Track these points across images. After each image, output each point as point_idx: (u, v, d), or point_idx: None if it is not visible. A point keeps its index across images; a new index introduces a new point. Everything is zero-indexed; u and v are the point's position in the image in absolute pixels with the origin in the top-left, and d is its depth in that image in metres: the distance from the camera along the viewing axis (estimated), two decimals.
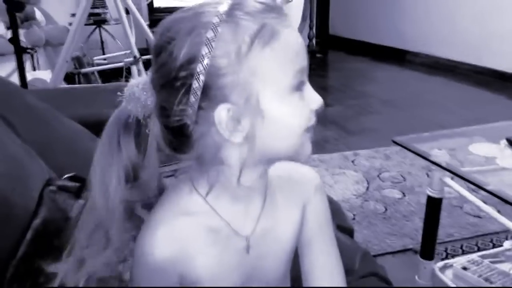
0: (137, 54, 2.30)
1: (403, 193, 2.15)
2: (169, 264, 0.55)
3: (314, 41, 4.91)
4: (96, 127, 1.49)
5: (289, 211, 0.61)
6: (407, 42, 5.00)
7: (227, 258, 0.57)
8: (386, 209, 2.01)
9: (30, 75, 2.60)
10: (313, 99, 0.53)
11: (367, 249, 1.09)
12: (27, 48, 2.67)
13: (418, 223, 1.87)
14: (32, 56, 2.82)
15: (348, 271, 0.82)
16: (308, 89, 0.53)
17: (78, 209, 0.86)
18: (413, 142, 1.41)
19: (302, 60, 0.51)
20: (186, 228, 0.55)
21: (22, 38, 2.84)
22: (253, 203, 0.57)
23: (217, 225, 0.55)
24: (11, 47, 2.23)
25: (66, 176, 0.97)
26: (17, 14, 2.88)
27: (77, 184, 0.90)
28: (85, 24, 2.82)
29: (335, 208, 1.23)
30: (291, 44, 0.50)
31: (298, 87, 0.51)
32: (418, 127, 2.72)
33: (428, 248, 1.44)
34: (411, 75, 4.54)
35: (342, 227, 1.05)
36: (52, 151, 1.17)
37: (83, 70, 2.53)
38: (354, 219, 1.92)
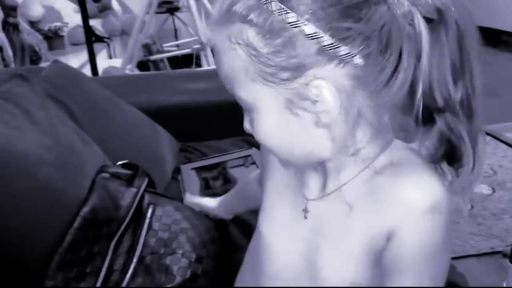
0: (204, 40, 2.26)
1: (493, 189, 1.92)
2: None
3: None
4: (157, 113, 1.48)
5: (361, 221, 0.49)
6: (502, 21, 4.54)
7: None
8: (472, 206, 1.80)
9: (106, 63, 2.67)
10: None
11: None
12: (104, 37, 2.75)
13: (509, 223, 1.66)
14: (108, 45, 2.90)
15: None
16: None
17: (130, 197, 0.83)
18: (506, 132, 1.22)
19: None
20: None
21: (99, 27, 2.94)
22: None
23: None
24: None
25: (119, 163, 0.95)
26: (95, 4, 2.99)
27: (130, 172, 0.88)
28: (159, 12, 2.84)
29: None
30: None
31: None
32: None
33: None
34: (507, 58, 4.12)
35: None
36: (109, 138, 1.16)
37: (152, 57, 2.55)
38: None
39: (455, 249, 1.54)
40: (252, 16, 0.43)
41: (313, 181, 0.53)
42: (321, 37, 0.42)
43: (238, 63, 0.45)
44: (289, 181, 0.56)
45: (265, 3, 0.43)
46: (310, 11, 0.42)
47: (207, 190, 1.19)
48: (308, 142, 0.47)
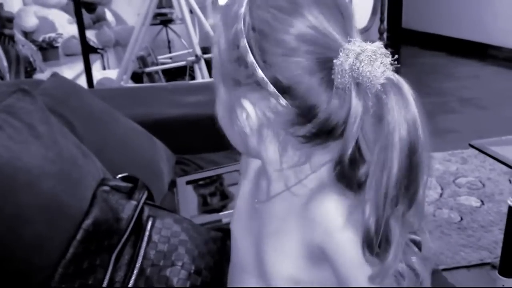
0: (199, 53, 2.28)
1: (482, 201, 1.96)
2: None
3: (385, 35, 4.69)
4: (153, 126, 1.49)
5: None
6: (489, 35, 4.62)
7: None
8: (461, 218, 1.84)
9: (99, 74, 2.68)
10: None
11: (436, 264, 0.97)
12: (98, 48, 2.76)
13: (497, 235, 1.68)
14: (102, 56, 2.91)
15: None
16: None
17: (130, 210, 0.85)
18: (492, 146, 1.26)
19: None
20: None
21: (93, 38, 2.95)
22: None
23: None
24: None
25: (119, 176, 0.96)
26: (89, 15, 3.00)
27: (130, 185, 0.90)
28: (153, 24, 2.86)
29: None
30: None
31: None
32: (502, 129, 2.47)
33: (508, 263, 1.31)
34: (494, 71, 4.19)
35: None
36: (108, 150, 1.18)
37: (147, 70, 2.57)
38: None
39: (446, 261, 1.57)
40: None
41: (263, 186, 0.62)
42: (256, 70, 0.49)
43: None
44: (251, 186, 0.66)
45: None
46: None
47: (205, 206, 1.20)
48: (236, 133, 0.57)
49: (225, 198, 1.21)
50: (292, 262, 0.56)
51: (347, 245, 0.50)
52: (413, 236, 0.59)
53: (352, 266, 0.51)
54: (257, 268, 0.61)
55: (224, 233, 0.96)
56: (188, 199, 1.22)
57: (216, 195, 1.23)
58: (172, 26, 3.14)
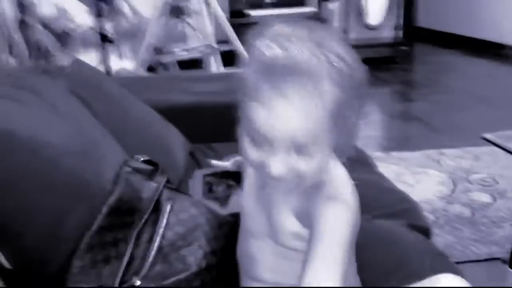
0: (215, 45, 2.30)
1: (494, 198, 1.96)
2: None
3: (400, 32, 4.67)
4: (168, 112, 1.51)
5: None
6: (504, 34, 4.58)
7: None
8: (473, 214, 1.84)
9: (116, 65, 2.71)
10: None
11: (444, 252, 0.98)
12: (114, 39, 2.79)
13: (509, 230, 1.69)
14: (118, 46, 2.94)
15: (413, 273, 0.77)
16: None
17: (151, 191, 0.87)
18: (505, 140, 1.26)
19: None
20: None
21: (110, 29, 2.98)
22: None
23: None
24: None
25: (140, 159, 0.99)
26: (106, 7, 3.03)
27: (151, 167, 0.93)
28: (168, 16, 2.88)
29: (410, 207, 1.13)
30: None
31: None
32: None
33: None
34: (509, 71, 4.16)
35: (416, 226, 0.96)
36: (125, 134, 1.20)
37: (163, 61, 2.60)
38: (436, 222, 1.77)
39: (456, 255, 1.58)
40: None
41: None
42: None
43: None
44: None
45: None
46: None
47: (210, 193, 1.22)
48: None
49: (230, 188, 1.23)
50: (293, 221, 0.68)
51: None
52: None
53: None
54: (268, 228, 0.72)
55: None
56: (194, 186, 1.23)
57: (222, 184, 1.25)
58: (188, 19, 3.15)
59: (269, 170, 0.61)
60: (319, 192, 0.64)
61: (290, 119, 0.58)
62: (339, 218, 0.62)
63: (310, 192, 0.65)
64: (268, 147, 0.61)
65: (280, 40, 0.58)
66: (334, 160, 0.67)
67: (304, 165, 0.61)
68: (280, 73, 0.57)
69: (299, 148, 0.60)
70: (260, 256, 0.76)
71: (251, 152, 0.63)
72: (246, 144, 0.63)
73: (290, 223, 0.70)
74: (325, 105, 0.58)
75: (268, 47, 0.58)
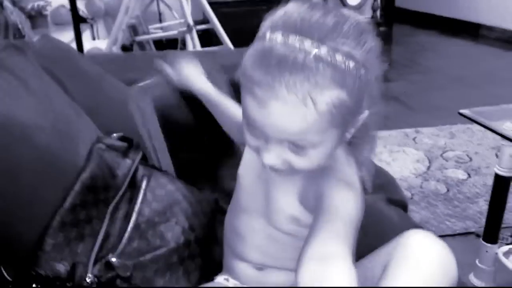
0: (191, 23, 2.26)
1: (468, 174, 1.99)
2: None
3: (378, 13, 4.67)
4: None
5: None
6: (481, 15, 4.63)
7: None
8: (448, 190, 1.87)
9: (89, 44, 2.65)
10: None
11: (421, 225, 1.00)
12: (87, 18, 2.72)
13: (483, 206, 1.73)
14: (92, 26, 2.87)
15: None
16: None
17: (125, 168, 0.85)
18: (481, 115, 1.27)
19: None
20: None
21: (82, 8, 2.90)
22: None
23: None
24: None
25: (114, 135, 0.97)
26: None
27: (125, 144, 0.91)
28: None
29: (387, 181, 1.14)
30: None
31: None
32: (490, 106, 2.50)
33: (492, 230, 1.34)
34: (485, 51, 4.21)
35: (394, 200, 0.96)
36: (101, 112, 1.17)
37: (138, 38, 2.54)
38: (411, 198, 1.80)
39: (431, 230, 1.60)
40: None
41: None
42: None
43: None
44: None
45: None
46: None
47: None
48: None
49: None
50: (292, 203, 0.67)
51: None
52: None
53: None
54: (264, 207, 0.71)
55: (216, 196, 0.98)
56: None
57: None
58: None
59: (263, 159, 0.59)
60: (328, 176, 0.62)
61: (281, 118, 0.53)
62: (349, 201, 0.59)
63: (317, 176, 0.62)
64: (263, 138, 0.58)
65: (284, 27, 0.53)
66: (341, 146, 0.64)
67: (298, 159, 0.58)
68: (274, 65, 0.52)
69: (293, 145, 0.57)
70: (249, 234, 0.75)
71: (248, 137, 0.61)
72: (244, 127, 0.61)
73: (289, 205, 0.68)
74: (322, 106, 0.52)
75: (269, 34, 0.54)
